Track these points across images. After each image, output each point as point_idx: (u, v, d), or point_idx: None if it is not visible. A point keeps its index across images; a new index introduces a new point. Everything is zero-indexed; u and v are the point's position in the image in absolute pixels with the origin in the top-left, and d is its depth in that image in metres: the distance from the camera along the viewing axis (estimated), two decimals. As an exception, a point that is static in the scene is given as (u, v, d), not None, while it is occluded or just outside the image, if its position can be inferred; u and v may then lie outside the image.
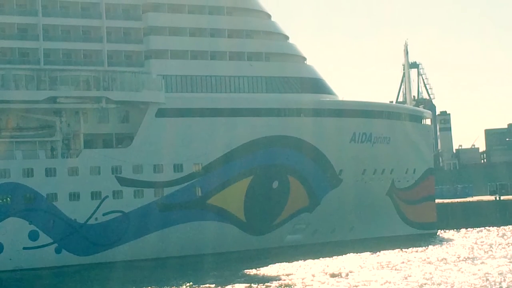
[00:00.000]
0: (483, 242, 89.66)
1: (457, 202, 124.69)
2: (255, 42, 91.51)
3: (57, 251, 72.27)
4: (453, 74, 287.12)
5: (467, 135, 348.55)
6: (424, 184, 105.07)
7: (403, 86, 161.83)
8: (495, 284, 54.64)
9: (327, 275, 62.45)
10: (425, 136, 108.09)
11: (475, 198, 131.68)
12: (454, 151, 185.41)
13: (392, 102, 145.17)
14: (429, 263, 68.56)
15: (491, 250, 78.78)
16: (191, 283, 59.66)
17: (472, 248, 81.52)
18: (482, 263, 67.61)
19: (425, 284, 55.84)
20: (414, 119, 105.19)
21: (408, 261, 70.66)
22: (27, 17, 78.89)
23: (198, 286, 58.47)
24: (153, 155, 79.63)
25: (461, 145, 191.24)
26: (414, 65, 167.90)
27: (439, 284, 55.51)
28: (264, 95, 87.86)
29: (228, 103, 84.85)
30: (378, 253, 77.63)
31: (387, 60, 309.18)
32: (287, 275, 63.25)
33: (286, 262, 71.72)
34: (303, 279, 60.85)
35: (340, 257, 75.49)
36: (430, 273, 60.99)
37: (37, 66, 77.23)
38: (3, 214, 72.02)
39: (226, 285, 59.07)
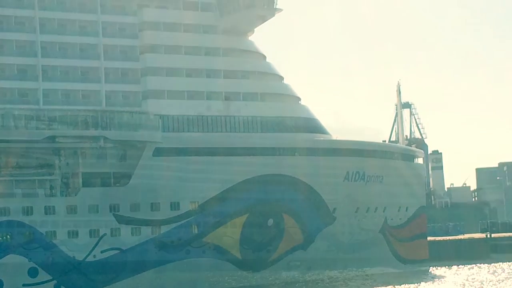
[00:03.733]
0: (474, 279, 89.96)
1: (449, 239, 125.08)
2: (250, 82, 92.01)
3: (56, 288, 72.35)
4: (444, 113, 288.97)
5: (459, 173, 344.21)
6: (417, 222, 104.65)
7: (395, 126, 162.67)
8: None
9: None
10: (417, 175, 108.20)
11: (466, 236, 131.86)
12: (446, 189, 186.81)
13: (385, 141, 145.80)
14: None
15: (482, 287, 79.75)
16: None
17: (464, 285, 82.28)
18: (474, 299, 66.58)
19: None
20: (406, 158, 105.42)
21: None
22: (26, 58, 79.92)
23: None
24: (150, 194, 79.97)
25: (452, 184, 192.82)
26: (407, 105, 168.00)
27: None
28: (259, 134, 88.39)
29: (223, 143, 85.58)
30: (371, 289, 76.68)
31: (380, 100, 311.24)
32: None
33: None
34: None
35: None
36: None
37: (36, 106, 78.06)
38: (3, 251, 72.14)
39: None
